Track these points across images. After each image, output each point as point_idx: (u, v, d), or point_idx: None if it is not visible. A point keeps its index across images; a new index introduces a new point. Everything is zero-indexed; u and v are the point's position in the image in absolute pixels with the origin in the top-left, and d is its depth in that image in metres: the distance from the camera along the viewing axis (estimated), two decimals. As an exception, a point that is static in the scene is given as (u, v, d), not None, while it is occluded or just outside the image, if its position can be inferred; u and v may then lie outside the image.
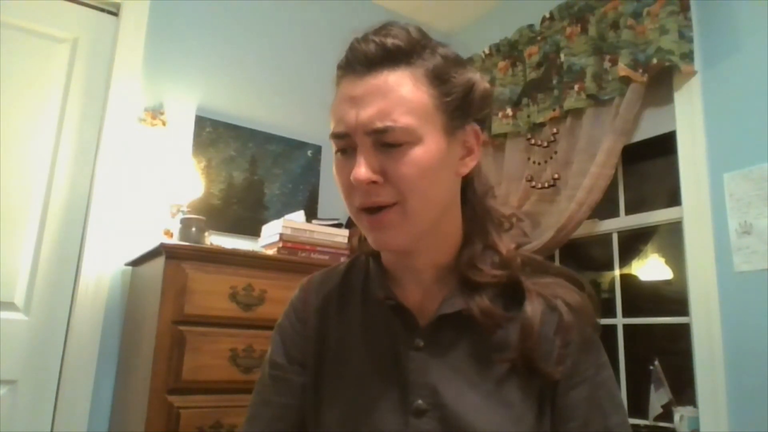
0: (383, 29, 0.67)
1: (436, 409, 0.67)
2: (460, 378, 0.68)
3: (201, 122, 2.24)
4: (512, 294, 0.71)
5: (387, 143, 0.64)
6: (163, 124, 2.12)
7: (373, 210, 0.66)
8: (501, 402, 0.67)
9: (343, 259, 2.03)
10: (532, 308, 0.69)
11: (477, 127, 0.72)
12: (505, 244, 0.74)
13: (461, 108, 0.69)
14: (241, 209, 2.29)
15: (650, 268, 2.18)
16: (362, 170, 0.63)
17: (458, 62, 0.71)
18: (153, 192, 2.07)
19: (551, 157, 2.29)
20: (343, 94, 0.68)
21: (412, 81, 0.66)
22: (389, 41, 0.66)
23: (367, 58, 0.66)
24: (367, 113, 0.64)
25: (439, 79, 0.67)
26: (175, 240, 1.82)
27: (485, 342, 0.70)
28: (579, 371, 0.69)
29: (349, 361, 0.73)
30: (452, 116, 0.68)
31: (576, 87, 2.15)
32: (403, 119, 0.64)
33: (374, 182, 0.64)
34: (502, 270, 0.71)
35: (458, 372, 0.68)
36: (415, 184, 0.64)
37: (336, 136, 0.67)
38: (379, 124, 0.64)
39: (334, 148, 0.69)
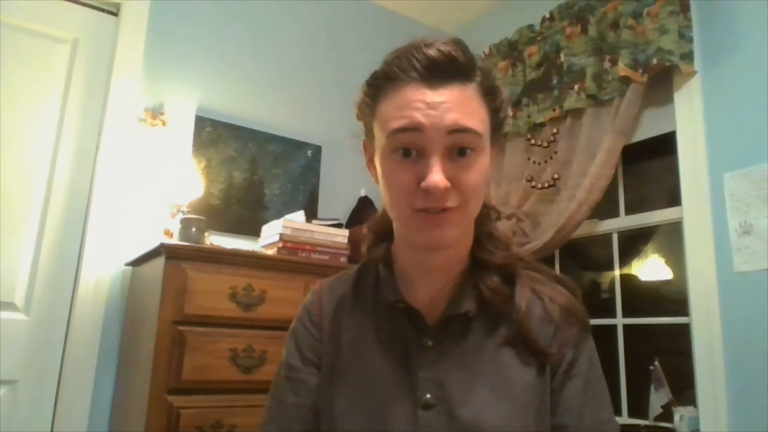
0: (445, 41, 0.69)
1: (444, 403, 0.70)
2: (466, 373, 0.72)
3: (201, 122, 2.24)
4: (507, 282, 0.77)
5: (461, 148, 0.67)
6: (163, 124, 2.12)
7: (433, 211, 0.68)
8: (506, 395, 0.71)
9: (342, 260, 2.03)
10: (522, 288, 0.76)
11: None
12: (501, 231, 0.81)
13: (502, 123, 0.75)
14: (241, 209, 2.29)
15: (650, 268, 2.18)
16: (440, 177, 0.65)
17: (495, 77, 0.75)
18: (153, 192, 2.07)
19: (551, 157, 2.29)
20: (409, 98, 0.67)
21: (476, 96, 0.70)
22: (460, 55, 0.68)
23: (438, 68, 0.67)
24: (449, 116, 0.66)
25: (491, 95, 0.72)
26: (175, 240, 1.83)
27: (488, 338, 0.74)
28: (574, 366, 0.74)
29: (362, 360, 0.77)
30: (495, 130, 0.74)
31: (576, 87, 2.16)
32: (479, 127, 0.68)
33: (446, 188, 0.66)
34: (504, 252, 0.78)
35: (464, 368, 0.73)
36: (477, 190, 0.69)
37: (405, 129, 0.66)
38: (463, 124, 0.66)
39: (390, 147, 0.68)
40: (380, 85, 0.70)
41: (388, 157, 0.69)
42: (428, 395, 0.71)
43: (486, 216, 0.79)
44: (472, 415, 0.69)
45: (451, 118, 0.66)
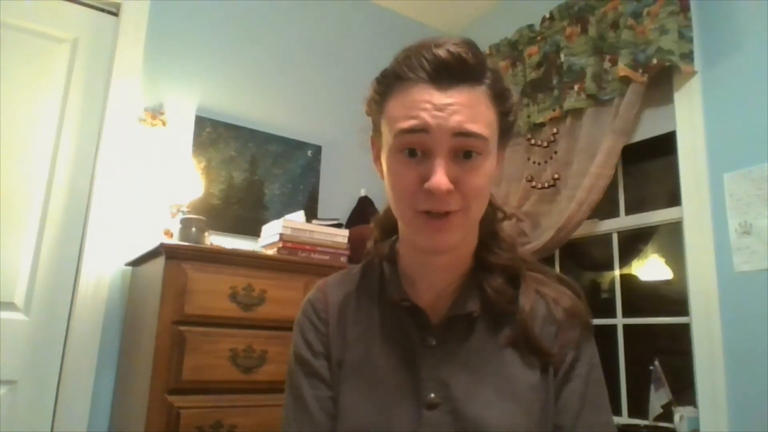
0: (456, 42, 0.68)
1: (448, 403, 0.71)
2: (470, 373, 0.73)
3: (201, 122, 2.24)
4: (511, 282, 0.77)
5: (466, 151, 0.67)
6: (163, 124, 2.12)
7: (436, 214, 0.68)
8: (510, 395, 0.71)
9: (342, 260, 2.03)
10: (526, 289, 0.76)
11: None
12: (506, 232, 0.81)
13: (511, 125, 0.75)
14: (241, 209, 2.29)
15: (650, 268, 2.18)
16: (443, 179, 0.65)
17: (504, 79, 0.74)
18: (153, 192, 2.07)
19: (551, 157, 2.29)
20: (417, 99, 0.67)
21: (485, 99, 0.69)
22: (470, 57, 0.67)
23: (447, 69, 0.67)
24: (455, 118, 0.66)
25: (500, 98, 0.71)
26: (175, 240, 1.82)
27: (492, 338, 0.75)
28: (575, 367, 0.74)
29: (367, 357, 0.77)
30: (503, 134, 0.74)
31: (576, 87, 2.16)
32: (485, 131, 0.68)
33: (449, 190, 0.66)
34: (509, 252, 0.79)
35: (468, 367, 0.73)
36: (481, 194, 0.70)
37: (411, 130, 0.66)
38: (468, 128, 0.66)
39: (396, 146, 0.68)
40: (389, 83, 0.71)
41: (393, 156, 0.69)
42: (432, 394, 0.71)
43: (492, 216, 0.79)
44: (476, 414, 0.69)
45: (457, 120, 0.65)
